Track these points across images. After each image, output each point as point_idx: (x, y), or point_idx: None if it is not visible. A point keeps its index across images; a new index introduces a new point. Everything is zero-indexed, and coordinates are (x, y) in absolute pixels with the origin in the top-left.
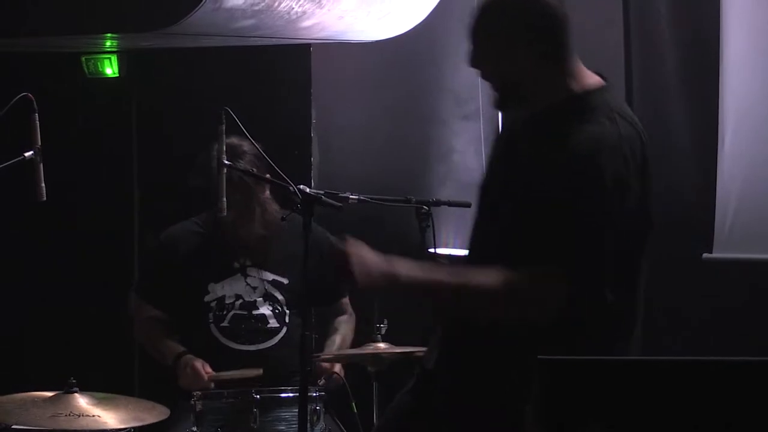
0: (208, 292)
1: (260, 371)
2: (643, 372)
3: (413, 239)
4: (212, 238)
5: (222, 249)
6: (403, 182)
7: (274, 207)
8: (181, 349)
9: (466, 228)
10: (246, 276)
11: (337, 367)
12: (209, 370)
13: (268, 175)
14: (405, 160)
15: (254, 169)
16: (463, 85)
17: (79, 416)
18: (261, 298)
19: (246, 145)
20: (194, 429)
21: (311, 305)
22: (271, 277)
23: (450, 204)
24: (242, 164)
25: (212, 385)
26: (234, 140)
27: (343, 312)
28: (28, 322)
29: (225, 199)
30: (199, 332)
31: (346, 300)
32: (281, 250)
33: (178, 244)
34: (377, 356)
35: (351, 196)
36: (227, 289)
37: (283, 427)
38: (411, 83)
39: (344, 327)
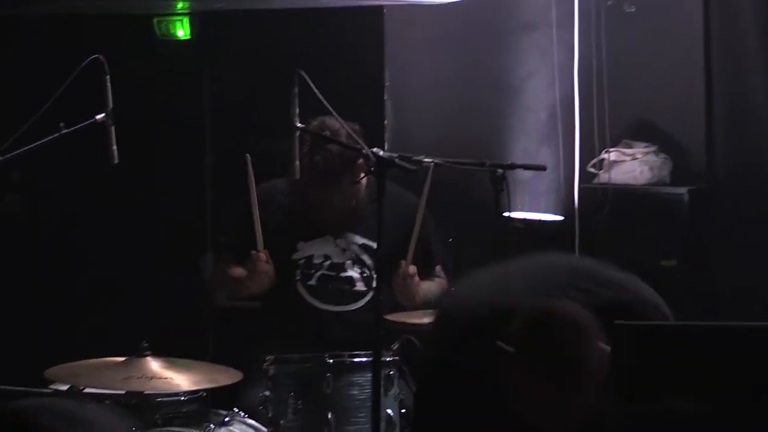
0: (296, 250)
1: None
2: (723, 338)
3: (488, 203)
4: (301, 200)
5: (311, 212)
6: (477, 145)
7: (362, 191)
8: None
9: (540, 191)
10: (336, 237)
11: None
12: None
13: (361, 160)
14: (479, 123)
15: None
16: (537, 46)
17: (152, 378)
18: (350, 261)
19: (341, 128)
20: (267, 393)
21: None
22: (361, 241)
23: (525, 167)
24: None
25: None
26: (331, 122)
27: (432, 275)
28: (100, 289)
29: (297, 162)
30: (285, 289)
31: (438, 270)
32: (375, 217)
33: (267, 199)
34: None
35: (425, 160)
36: (316, 248)
37: (356, 392)
38: (485, 44)
39: (428, 283)
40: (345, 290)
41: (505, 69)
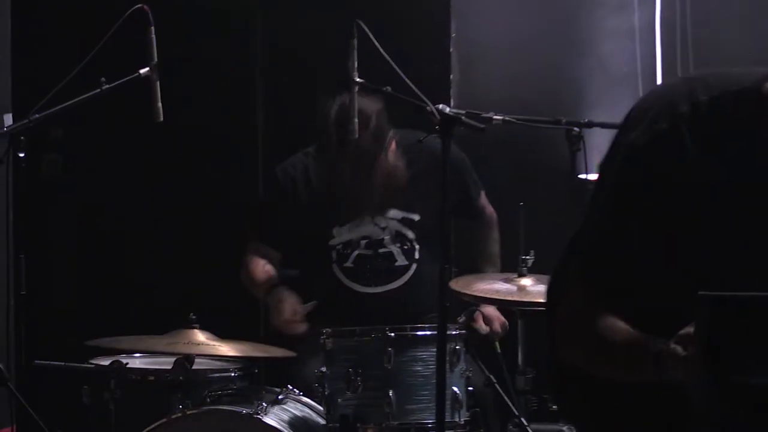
0: (333, 236)
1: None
2: None
3: (562, 164)
4: (331, 177)
5: (348, 194)
6: (551, 102)
7: (398, 164)
8: (276, 280)
9: None
10: (374, 216)
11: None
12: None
13: (392, 132)
14: (553, 78)
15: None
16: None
17: (199, 344)
18: (389, 237)
19: (371, 109)
20: (323, 369)
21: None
22: (401, 215)
23: (604, 126)
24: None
25: (305, 326)
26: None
27: (482, 218)
28: (148, 265)
29: (357, 119)
30: (320, 273)
31: (482, 200)
32: (412, 187)
33: (296, 178)
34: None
35: (494, 117)
36: (354, 232)
37: (419, 368)
38: None
39: (492, 247)
40: (385, 268)
41: (583, 23)
